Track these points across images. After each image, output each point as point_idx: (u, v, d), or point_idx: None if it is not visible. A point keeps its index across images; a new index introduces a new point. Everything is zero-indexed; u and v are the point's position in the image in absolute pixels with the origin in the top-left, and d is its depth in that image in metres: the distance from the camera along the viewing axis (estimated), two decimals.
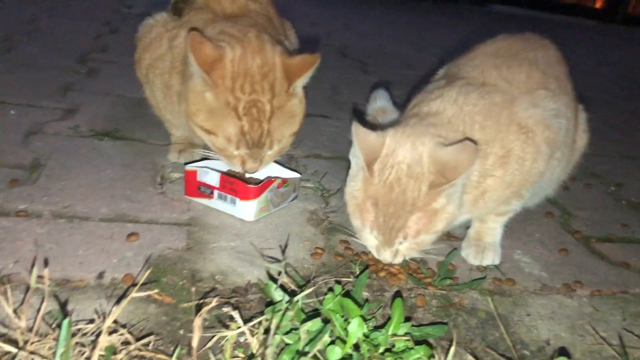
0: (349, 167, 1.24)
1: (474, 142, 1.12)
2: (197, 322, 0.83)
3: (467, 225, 1.43)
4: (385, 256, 1.16)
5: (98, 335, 0.87)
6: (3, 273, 1.04)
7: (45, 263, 1.09)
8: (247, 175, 1.54)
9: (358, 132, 1.15)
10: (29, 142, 1.60)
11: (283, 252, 1.26)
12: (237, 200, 1.36)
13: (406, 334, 0.96)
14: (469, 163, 1.07)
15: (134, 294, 0.97)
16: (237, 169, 1.37)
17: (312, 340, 0.87)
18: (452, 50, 1.58)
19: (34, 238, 1.16)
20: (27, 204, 1.28)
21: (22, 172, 1.43)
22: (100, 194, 1.38)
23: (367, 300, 1.10)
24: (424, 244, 1.16)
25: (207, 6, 1.51)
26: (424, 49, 4.31)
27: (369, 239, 1.17)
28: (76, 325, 0.92)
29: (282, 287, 1.06)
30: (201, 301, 1.05)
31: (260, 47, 1.32)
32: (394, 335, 0.95)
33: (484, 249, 1.35)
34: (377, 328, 0.97)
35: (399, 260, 1.17)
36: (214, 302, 0.98)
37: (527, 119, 1.23)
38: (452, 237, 1.45)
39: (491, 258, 1.35)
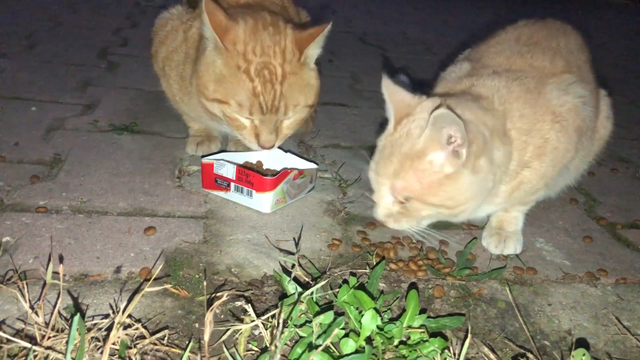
0: (369, 155, 1.22)
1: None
2: (209, 316, 0.83)
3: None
4: (378, 211, 1.14)
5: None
6: (22, 269, 1.05)
7: (61, 259, 1.10)
8: (264, 167, 1.54)
9: (388, 85, 1.15)
10: (49, 138, 1.62)
11: (297, 244, 1.25)
12: (254, 192, 1.36)
13: (421, 326, 0.95)
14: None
15: (149, 288, 0.98)
16: (253, 145, 1.37)
17: (324, 333, 0.87)
18: (477, 34, 1.54)
19: (53, 234, 1.18)
20: (47, 199, 1.30)
21: (43, 167, 1.45)
22: (119, 188, 1.40)
23: (382, 293, 1.09)
24: (415, 213, 1.11)
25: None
26: (447, 33, 4.24)
27: (374, 193, 1.15)
28: (92, 320, 0.93)
29: (297, 280, 1.06)
30: (216, 294, 1.05)
31: (273, 21, 1.34)
32: (409, 327, 0.94)
33: (506, 238, 1.33)
34: (392, 320, 0.96)
35: (392, 224, 1.14)
36: (225, 296, 0.97)
37: (560, 106, 1.20)
38: (472, 226, 1.43)
39: (513, 247, 1.32)
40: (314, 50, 1.36)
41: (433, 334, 0.95)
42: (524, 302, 1.16)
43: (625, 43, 4.80)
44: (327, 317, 0.87)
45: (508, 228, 1.35)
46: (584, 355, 0.91)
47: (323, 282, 1.00)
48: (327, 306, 0.97)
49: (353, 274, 1.14)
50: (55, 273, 0.99)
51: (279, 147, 1.54)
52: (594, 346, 1.05)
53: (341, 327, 0.89)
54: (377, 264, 1.15)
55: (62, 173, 1.43)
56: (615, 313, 1.16)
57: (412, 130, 1.09)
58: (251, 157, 1.55)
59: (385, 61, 3.15)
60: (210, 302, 1.02)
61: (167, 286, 1.05)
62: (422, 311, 1.00)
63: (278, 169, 1.51)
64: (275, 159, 1.55)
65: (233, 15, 1.32)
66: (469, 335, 0.95)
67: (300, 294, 0.96)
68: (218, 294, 1.05)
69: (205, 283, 1.08)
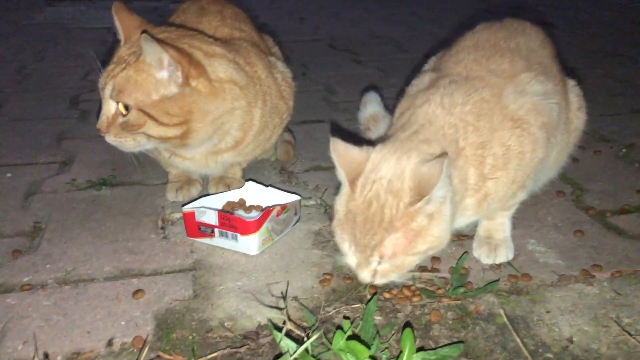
0: None
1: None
2: None
3: (475, 223, 1.39)
4: (364, 276, 1.11)
5: None
6: (13, 356, 1.04)
7: (50, 340, 1.08)
8: (247, 204, 1.52)
9: (337, 147, 1.12)
10: (27, 205, 1.60)
11: (284, 297, 1.22)
12: (238, 235, 1.34)
13: None
14: (435, 178, 1.00)
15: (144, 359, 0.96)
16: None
17: None
18: (445, 24, 1.53)
19: (41, 312, 1.16)
20: (31, 275, 1.28)
21: (24, 239, 1.43)
22: (103, 251, 1.38)
23: (378, 332, 1.07)
24: (404, 266, 1.11)
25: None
26: (417, 27, 4.23)
27: (349, 256, 1.13)
28: None
29: (289, 335, 1.04)
30: (212, 356, 1.03)
31: None
32: None
33: (496, 247, 1.32)
34: None
35: (380, 281, 1.12)
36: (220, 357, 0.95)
37: (517, 110, 1.19)
38: (463, 237, 1.42)
39: (504, 255, 1.32)
40: None
41: None
42: (522, 313, 1.15)
43: (601, 12, 4.80)
44: None
45: (496, 236, 1.34)
46: None
47: (314, 337, 0.99)
48: None
49: (347, 318, 1.12)
50: (46, 358, 0.98)
51: (260, 182, 1.54)
52: (597, 351, 1.05)
53: None
54: (371, 297, 1.14)
55: (44, 242, 1.41)
56: (614, 312, 1.15)
57: (381, 196, 1.06)
58: (232, 196, 1.54)
59: (358, 69, 3.14)
60: None
61: (163, 354, 1.04)
62: (420, 348, 0.98)
63: (263, 205, 1.50)
64: (257, 195, 1.54)
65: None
66: None
67: (295, 351, 0.95)
68: (212, 356, 1.03)
69: (203, 342, 1.05)
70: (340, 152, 1.11)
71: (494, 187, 1.18)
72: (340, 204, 1.13)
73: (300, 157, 1.92)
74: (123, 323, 1.13)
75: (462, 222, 1.26)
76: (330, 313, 1.15)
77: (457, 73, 1.27)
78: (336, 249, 1.37)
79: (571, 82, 1.42)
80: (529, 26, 1.39)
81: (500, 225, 1.35)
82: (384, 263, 1.09)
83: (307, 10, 4.92)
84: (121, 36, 1.43)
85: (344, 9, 5.10)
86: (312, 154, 1.95)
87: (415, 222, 1.05)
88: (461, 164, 1.14)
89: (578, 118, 1.41)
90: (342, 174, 1.12)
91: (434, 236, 1.07)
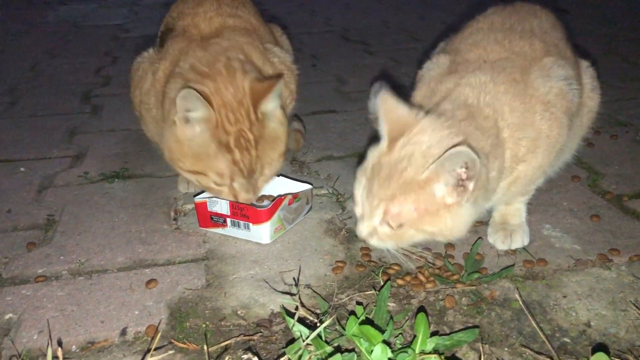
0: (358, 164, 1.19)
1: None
2: None
3: (489, 209, 1.37)
4: (362, 229, 1.10)
5: None
6: (28, 346, 1.04)
7: (65, 330, 1.09)
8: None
9: (386, 102, 1.09)
10: (41, 198, 1.61)
11: (297, 283, 1.22)
12: (251, 225, 1.34)
13: (434, 350, 0.93)
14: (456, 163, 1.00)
15: (157, 346, 0.96)
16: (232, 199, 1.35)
17: None
18: (460, 14, 1.51)
19: (55, 302, 1.16)
20: (45, 266, 1.29)
21: (38, 232, 1.43)
22: (116, 242, 1.38)
23: (391, 318, 1.05)
24: (403, 237, 1.08)
25: (185, 31, 1.49)
26: (428, 15, 4.19)
27: (358, 205, 1.12)
28: None
29: (302, 321, 1.03)
30: (225, 343, 1.03)
31: (230, 74, 1.32)
32: (422, 353, 0.91)
33: (512, 232, 1.30)
34: (405, 347, 0.94)
35: (374, 242, 1.10)
36: (234, 344, 0.95)
37: (547, 94, 1.17)
38: (477, 223, 1.40)
39: (520, 241, 1.30)
40: (270, 104, 1.33)
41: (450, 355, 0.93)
42: (538, 298, 1.14)
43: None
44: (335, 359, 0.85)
45: (512, 221, 1.33)
46: None
47: (327, 322, 0.98)
48: (337, 347, 0.95)
49: (359, 303, 1.11)
50: (61, 347, 0.98)
51: None
52: (615, 335, 1.03)
53: None
54: (384, 284, 1.13)
55: (57, 235, 1.41)
56: (632, 295, 1.13)
57: (415, 156, 1.04)
58: None
59: (369, 59, 3.12)
60: (220, 353, 1.01)
61: (176, 342, 1.03)
62: (434, 333, 0.97)
63: (274, 194, 1.49)
64: (269, 185, 1.53)
65: (189, 82, 1.30)
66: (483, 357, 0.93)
67: (307, 336, 0.94)
68: (229, 342, 1.03)
69: (217, 330, 1.05)
70: (389, 107, 1.09)
71: (524, 170, 1.17)
72: (373, 155, 1.11)
73: (311, 147, 1.91)
74: (137, 312, 1.13)
75: (486, 206, 1.24)
76: (343, 300, 1.14)
77: (478, 55, 1.25)
78: (349, 238, 1.36)
79: (585, 63, 1.40)
80: (539, 9, 1.36)
81: (516, 211, 1.33)
82: (385, 225, 1.06)
83: (318, 3, 4.89)
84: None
85: (355, 1, 5.06)
86: (323, 143, 1.94)
87: (428, 200, 1.03)
88: (500, 147, 1.12)
89: (592, 99, 1.38)
90: (384, 129, 1.09)
91: (445, 225, 1.05)
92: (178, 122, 1.27)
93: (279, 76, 1.35)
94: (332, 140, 1.97)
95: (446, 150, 0.98)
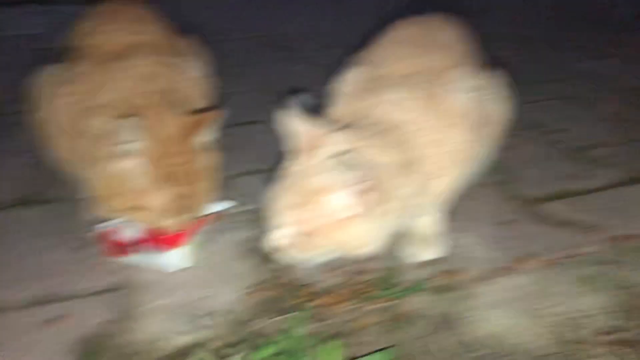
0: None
1: None
2: None
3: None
4: (270, 237, 1.06)
5: None
6: None
7: None
8: None
9: (297, 116, 1.09)
10: None
11: (210, 312, 1.17)
12: (160, 251, 1.28)
13: None
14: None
15: None
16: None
17: None
18: (376, 20, 1.49)
19: None
20: None
21: None
22: (19, 276, 1.29)
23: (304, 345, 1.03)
24: (311, 246, 1.05)
25: (89, 53, 1.40)
26: (352, 20, 4.20)
27: (268, 218, 1.09)
28: None
29: (215, 352, 0.99)
30: None
31: (161, 109, 1.26)
32: None
33: (429, 244, 1.30)
34: None
35: (283, 250, 1.07)
36: None
37: (460, 107, 1.18)
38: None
39: (438, 251, 1.30)
40: (204, 137, 1.30)
41: None
42: (455, 310, 1.14)
43: None
44: None
45: (429, 232, 1.32)
46: None
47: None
48: None
49: (270, 342, 1.08)
50: None
51: None
52: (531, 342, 1.05)
53: None
54: (298, 306, 1.10)
55: None
56: (545, 300, 1.15)
57: (317, 164, 1.02)
58: None
59: (292, 67, 3.09)
60: None
61: None
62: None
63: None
64: None
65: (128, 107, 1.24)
66: None
67: None
68: None
69: None
70: (299, 121, 1.08)
71: (442, 183, 1.17)
72: (285, 167, 1.09)
73: (231, 160, 1.85)
74: (39, 355, 1.06)
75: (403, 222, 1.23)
76: (259, 326, 1.11)
77: (392, 70, 1.24)
78: (264, 259, 1.32)
79: (495, 72, 1.41)
80: (446, 22, 1.37)
81: (433, 222, 1.33)
82: (295, 234, 1.03)
83: (240, 9, 4.83)
84: None
85: (281, 4, 5.02)
86: (245, 157, 1.89)
87: (329, 209, 1.01)
88: (418, 163, 1.11)
89: (502, 107, 1.40)
90: (295, 144, 1.08)
91: (351, 236, 1.02)
92: (111, 156, 1.20)
93: (213, 108, 1.32)
94: (254, 154, 1.92)
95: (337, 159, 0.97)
